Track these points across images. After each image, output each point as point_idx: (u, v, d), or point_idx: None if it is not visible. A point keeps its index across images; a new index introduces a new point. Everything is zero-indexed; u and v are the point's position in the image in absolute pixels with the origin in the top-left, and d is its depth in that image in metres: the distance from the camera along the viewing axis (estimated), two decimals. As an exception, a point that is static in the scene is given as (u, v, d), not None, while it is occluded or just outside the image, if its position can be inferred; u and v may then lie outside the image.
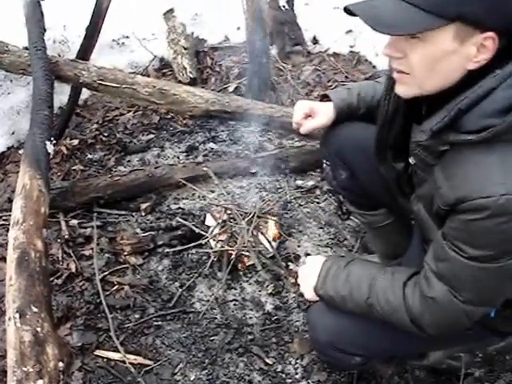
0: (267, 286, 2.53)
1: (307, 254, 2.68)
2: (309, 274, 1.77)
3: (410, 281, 1.56)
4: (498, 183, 1.23)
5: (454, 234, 1.36)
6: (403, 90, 1.41)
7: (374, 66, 4.05)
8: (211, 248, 2.59)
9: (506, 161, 1.25)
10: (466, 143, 1.28)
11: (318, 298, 1.76)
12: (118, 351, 2.26)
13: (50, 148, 2.49)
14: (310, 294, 1.77)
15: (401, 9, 1.22)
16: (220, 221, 2.61)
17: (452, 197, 1.31)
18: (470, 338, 1.77)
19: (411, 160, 1.54)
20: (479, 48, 1.23)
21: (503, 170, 1.24)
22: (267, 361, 2.26)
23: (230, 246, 2.53)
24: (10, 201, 2.42)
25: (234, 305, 2.48)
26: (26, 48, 2.94)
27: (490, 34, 1.20)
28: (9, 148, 3.32)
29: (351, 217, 2.81)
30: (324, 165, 2.17)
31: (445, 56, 1.25)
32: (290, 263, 2.63)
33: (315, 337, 1.85)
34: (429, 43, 1.24)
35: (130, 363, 2.22)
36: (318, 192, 3.02)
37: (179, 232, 2.74)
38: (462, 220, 1.31)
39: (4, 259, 2.28)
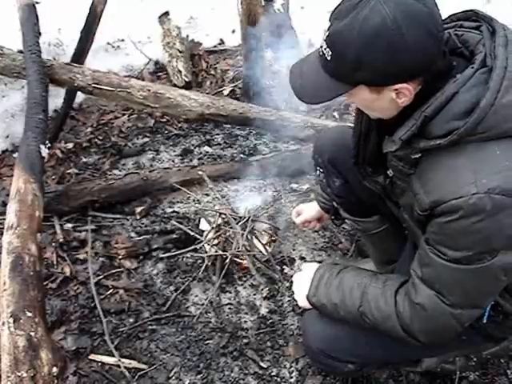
0: (262, 289, 2.54)
1: (302, 258, 2.69)
2: (302, 282, 1.80)
3: (402, 288, 1.57)
4: (468, 183, 1.26)
5: (434, 238, 1.39)
6: (371, 116, 1.54)
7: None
8: (206, 252, 2.59)
9: (474, 161, 1.28)
10: (436, 148, 1.31)
11: (310, 306, 1.77)
12: (113, 355, 2.26)
13: (45, 151, 2.49)
14: (303, 302, 1.79)
15: (318, 77, 1.36)
16: (214, 225, 2.60)
17: (427, 201, 1.35)
18: (464, 344, 1.78)
19: (389, 172, 1.57)
20: (397, 94, 1.30)
21: (473, 170, 1.27)
22: (262, 364, 2.26)
23: (225, 250, 2.53)
24: (5, 204, 2.42)
25: (229, 308, 2.48)
26: (21, 51, 2.94)
27: (398, 86, 1.27)
28: (3, 151, 3.33)
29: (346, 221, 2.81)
30: (317, 172, 2.18)
31: (372, 103, 1.37)
32: (284, 267, 2.64)
33: (307, 344, 1.87)
34: (354, 97, 1.38)
35: (125, 367, 2.22)
36: (312, 195, 3.01)
37: (174, 236, 2.74)
38: (438, 223, 1.34)
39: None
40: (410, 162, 1.41)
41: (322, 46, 1.32)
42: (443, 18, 1.30)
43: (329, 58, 1.29)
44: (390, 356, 1.82)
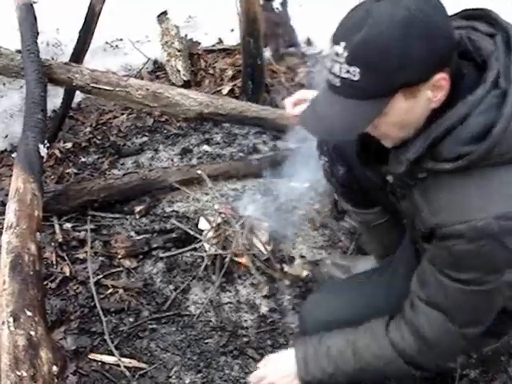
0: (262, 288, 2.53)
1: (302, 256, 2.68)
2: (282, 369, 1.71)
3: (391, 326, 1.56)
4: (476, 208, 1.25)
5: (439, 261, 1.38)
6: (389, 145, 1.43)
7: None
8: (205, 251, 2.58)
9: (483, 186, 1.27)
10: (443, 171, 1.29)
11: None
12: (113, 355, 2.26)
13: (44, 151, 2.48)
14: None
15: (344, 109, 1.25)
16: (214, 224, 2.60)
17: (432, 221, 1.34)
18: None
19: (389, 178, 1.55)
20: (433, 89, 1.24)
21: (481, 195, 1.26)
22: (262, 363, 2.26)
23: (225, 249, 2.53)
24: (4, 204, 2.41)
25: (229, 307, 2.48)
26: (19, 51, 2.93)
27: (439, 75, 1.21)
28: (2, 151, 3.32)
29: (346, 218, 2.80)
30: (322, 161, 2.15)
31: (407, 113, 1.27)
32: (284, 265, 2.63)
33: (304, 329, 1.86)
34: (388, 115, 1.26)
35: (125, 367, 2.22)
36: (312, 194, 3.02)
37: (173, 235, 2.74)
38: (444, 246, 1.33)
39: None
40: (413, 176, 1.40)
41: (337, 75, 1.23)
42: (452, 15, 1.28)
43: (356, 79, 1.19)
44: None
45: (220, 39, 4.29)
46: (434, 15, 1.17)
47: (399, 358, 1.51)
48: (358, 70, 1.18)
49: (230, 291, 2.54)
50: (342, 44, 1.19)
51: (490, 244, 1.26)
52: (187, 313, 2.45)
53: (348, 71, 1.20)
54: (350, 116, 1.25)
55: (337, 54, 1.20)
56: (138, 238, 2.76)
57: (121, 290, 2.53)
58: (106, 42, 4.08)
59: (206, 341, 2.35)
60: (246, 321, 2.42)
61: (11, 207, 2.19)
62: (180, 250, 2.66)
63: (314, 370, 1.62)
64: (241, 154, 3.32)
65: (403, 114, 1.27)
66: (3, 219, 2.21)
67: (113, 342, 2.30)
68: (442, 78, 1.22)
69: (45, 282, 2.42)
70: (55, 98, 3.41)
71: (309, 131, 1.34)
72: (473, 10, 1.40)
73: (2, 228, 2.16)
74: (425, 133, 1.29)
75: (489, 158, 1.23)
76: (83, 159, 3.31)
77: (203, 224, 2.73)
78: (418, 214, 1.41)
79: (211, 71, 4.03)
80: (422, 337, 1.47)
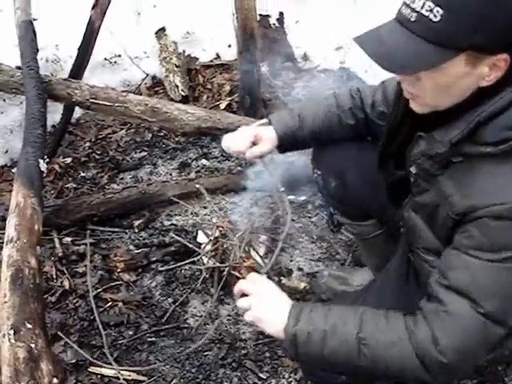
0: (260, 300, 2.54)
1: (300, 269, 2.70)
2: (272, 305, 1.57)
3: (407, 316, 1.42)
4: None
5: (468, 243, 1.32)
6: (418, 109, 1.41)
7: (363, 82, 4.08)
8: (204, 264, 2.60)
9: None
10: (482, 155, 1.29)
11: (281, 335, 1.49)
12: (112, 367, 2.25)
13: (43, 166, 2.50)
14: (274, 329, 1.51)
15: (411, 44, 1.21)
16: (212, 238, 2.62)
17: (465, 205, 1.31)
18: None
19: (412, 169, 1.51)
20: (491, 67, 1.22)
21: None
22: (261, 375, 2.26)
23: (223, 262, 2.54)
24: (4, 219, 2.43)
25: (228, 320, 2.49)
26: (19, 67, 2.97)
27: (503, 55, 1.20)
28: (2, 167, 3.35)
29: (342, 230, 2.82)
30: (315, 175, 2.17)
31: (458, 80, 1.26)
32: (282, 278, 2.64)
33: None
34: (441, 72, 1.24)
35: (124, 379, 2.22)
36: (309, 207, 3.04)
37: (172, 248, 2.76)
38: (476, 225, 1.30)
39: (-2, 277, 2.29)
40: (441, 163, 1.38)
41: (416, 10, 1.19)
42: None
43: (436, 20, 1.16)
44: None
45: (218, 55, 4.33)
46: None
47: (408, 342, 1.36)
48: (441, 11, 1.15)
49: (228, 304, 2.55)
50: None
51: None
52: (186, 325, 2.46)
53: (431, 9, 1.16)
54: (412, 52, 1.21)
55: None
56: (137, 251, 2.78)
57: (120, 304, 2.55)
58: (105, 58, 4.11)
59: (205, 353, 2.35)
60: (244, 333, 2.44)
61: (11, 221, 2.21)
62: (179, 264, 2.67)
63: (304, 322, 1.45)
64: (238, 168, 3.34)
65: (455, 78, 1.25)
66: (4, 233, 2.24)
67: (112, 355, 2.30)
68: (503, 59, 1.21)
69: (45, 296, 2.44)
70: (55, 114, 3.44)
71: (366, 51, 1.27)
72: None
73: (3, 242, 2.18)
74: (469, 115, 1.29)
75: None
76: (82, 174, 3.34)
77: (201, 237, 2.75)
78: (444, 203, 1.37)
79: (209, 86, 4.06)
80: (443, 322, 1.34)
